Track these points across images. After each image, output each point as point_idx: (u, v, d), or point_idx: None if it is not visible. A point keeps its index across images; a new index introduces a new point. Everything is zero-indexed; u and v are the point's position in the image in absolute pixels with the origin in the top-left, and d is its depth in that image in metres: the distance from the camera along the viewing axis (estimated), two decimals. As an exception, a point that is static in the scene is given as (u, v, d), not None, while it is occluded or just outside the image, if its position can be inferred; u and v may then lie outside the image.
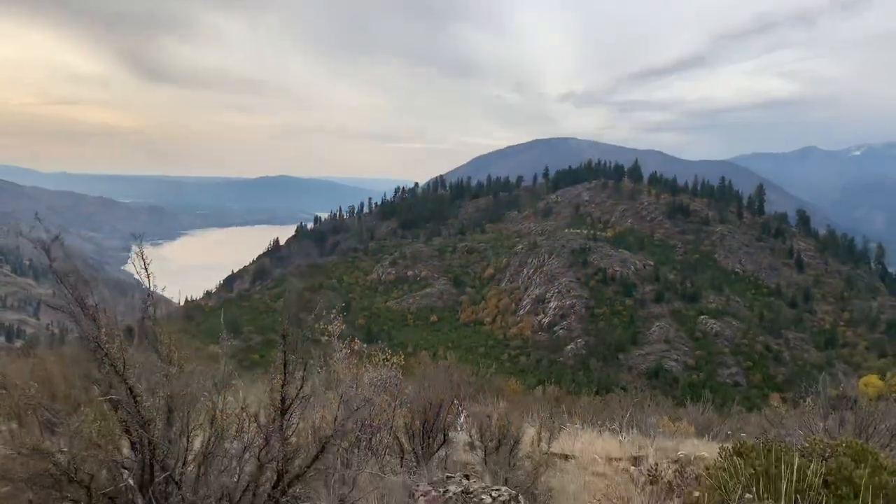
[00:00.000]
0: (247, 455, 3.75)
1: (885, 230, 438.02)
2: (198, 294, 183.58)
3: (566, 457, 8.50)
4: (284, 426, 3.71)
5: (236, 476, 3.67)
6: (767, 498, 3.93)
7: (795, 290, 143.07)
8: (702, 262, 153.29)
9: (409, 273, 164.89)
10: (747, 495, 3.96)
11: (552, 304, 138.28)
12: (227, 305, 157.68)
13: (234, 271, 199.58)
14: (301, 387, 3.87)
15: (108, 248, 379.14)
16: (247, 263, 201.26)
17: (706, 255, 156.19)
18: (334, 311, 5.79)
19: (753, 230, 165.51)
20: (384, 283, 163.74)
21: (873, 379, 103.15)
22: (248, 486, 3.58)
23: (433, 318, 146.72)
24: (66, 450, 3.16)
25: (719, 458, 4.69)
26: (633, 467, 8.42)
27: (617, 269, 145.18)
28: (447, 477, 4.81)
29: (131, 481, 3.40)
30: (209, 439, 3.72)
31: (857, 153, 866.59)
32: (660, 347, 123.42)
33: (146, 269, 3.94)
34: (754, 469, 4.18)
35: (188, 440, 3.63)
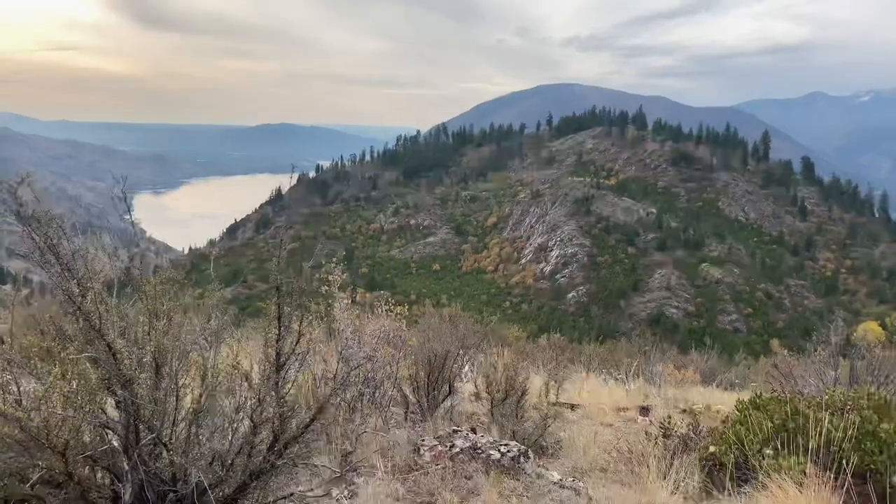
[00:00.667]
0: (240, 415, 3.58)
1: (891, 177, 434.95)
2: (202, 242, 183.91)
3: (572, 406, 8.41)
4: (280, 384, 3.51)
5: (229, 437, 3.51)
6: (788, 454, 3.77)
7: (798, 238, 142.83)
8: (705, 210, 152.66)
9: (412, 222, 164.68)
10: (767, 451, 3.82)
11: (554, 253, 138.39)
12: (230, 253, 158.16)
13: (237, 220, 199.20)
14: (297, 341, 3.63)
15: (110, 196, 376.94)
16: (249, 212, 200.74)
17: (709, 203, 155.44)
18: (335, 260, 5.54)
19: (757, 178, 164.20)
20: (387, 232, 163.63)
21: (873, 325, 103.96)
22: (241, 447, 3.43)
23: (436, 266, 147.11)
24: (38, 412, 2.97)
25: (735, 411, 4.54)
26: (640, 417, 8.34)
27: (620, 217, 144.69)
28: (453, 430, 4.65)
29: (115, 443, 3.25)
30: (200, 397, 3.53)
31: (865, 99, 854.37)
32: (661, 295, 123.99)
33: (129, 213, 3.65)
34: (772, 423, 4.03)
35: (177, 399, 3.44)
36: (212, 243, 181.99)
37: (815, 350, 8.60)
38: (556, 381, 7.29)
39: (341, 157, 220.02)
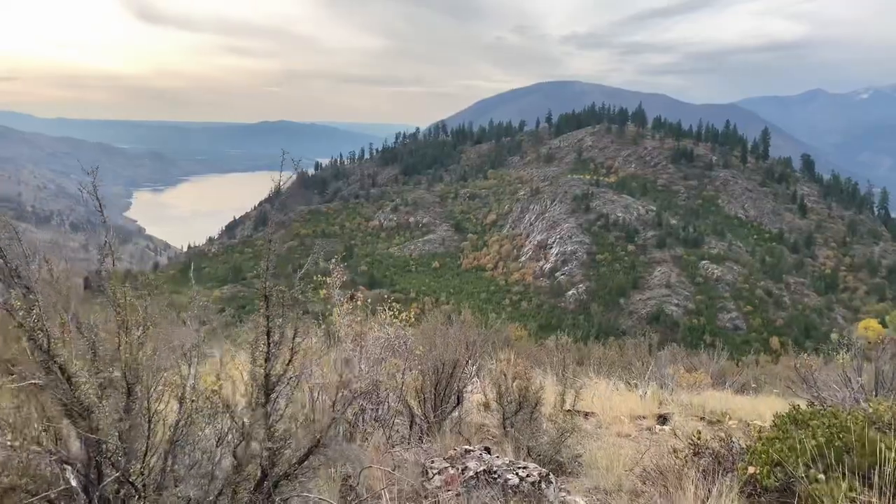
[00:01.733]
0: (223, 447, 3.15)
1: (891, 174, 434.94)
2: (201, 240, 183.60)
3: (585, 414, 8.02)
4: (269, 412, 3.06)
5: (209, 475, 3.04)
6: (838, 478, 3.38)
7: (798, 236, 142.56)
8: (705, 207, 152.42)
9: (411, 219, 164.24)
10: (817, 475, 3.43)
11: (554, 250, 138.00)
12: (229, 251, 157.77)
13: (236, 217, 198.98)
14: (290, 360, 3.19)
15: (109, 194, 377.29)
16: (248, 209, 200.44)
17: (709, 200, 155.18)
18: (334, 259, 5.10)
19: (757, 175, 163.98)
20: (386, 229, 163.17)
21: (872, 323, 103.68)
22: (222, 489, 2.99)
23: (435, 264, 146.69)
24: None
25: (773, 427, 4.15)
26: (658, 426, 7.94)
27: (619, 214, 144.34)
28: (465, 450, 4.24)
29: (74, 482, 2.81)
30: (176, 425, 3.05)
31: (865, 96, 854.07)
32: (661, 292, 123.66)
33: (101, 209, 3.21)
34: (815, 440, 3.64)
35: (150, 427, 2.95)
36: (211, 241, 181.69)
37: (835, 353, 8.21)
38: (573, 390, 6.86)
39: (340, 154, 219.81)
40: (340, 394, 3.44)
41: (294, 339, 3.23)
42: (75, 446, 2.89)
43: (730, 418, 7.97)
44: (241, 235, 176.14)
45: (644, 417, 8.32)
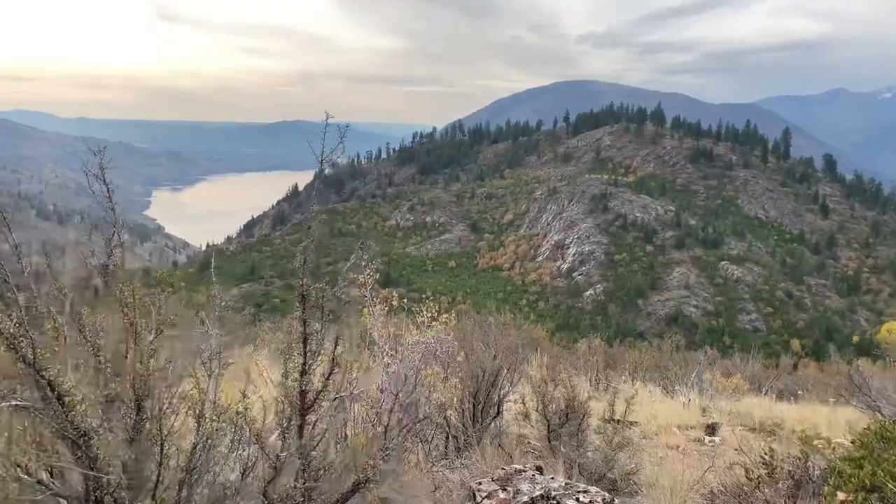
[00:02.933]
0: (248, 479, 2.62)
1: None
2: (219, 239, 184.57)
3: (629, 423, 7.59)
4: (304, 441, 2.55)
5: None
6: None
7: (819, 237, 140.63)
8: (724, 207, 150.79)
9: (428, 219, 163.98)
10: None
11: (571, 251, 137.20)
12: (246, 250, 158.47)
13: (254, 216, 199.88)
14: (330, 374, 2.70)
15: (129, 193, 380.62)
16: (266, 209, 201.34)
17: (729, 200, 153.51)
18: (366, 257, 4.72)
19: (778, 175, 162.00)
20: (402, 228, 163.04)
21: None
22: None
23: (452, 263, 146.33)
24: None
25: (858, 444, 3.72)
26: (708, 437, 7.50)
27: (638, 214, 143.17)
28: (516, 470, 3.84)
29: None
30: (193, 449, 2.58)
31: (888, 95, 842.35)
32: (679, 293, 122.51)
33: (110, 199, 2.84)
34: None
35: (162, 452, 2.46)
36: (229, 239, 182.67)
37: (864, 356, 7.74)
38: (624, 399, 6.38)
39: (357, 154, 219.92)
40: (395, 418, 2.93)
41: (336, 347, 2.72)
42: (73, 478, 2.43)
43: (781, 428, 7.51)
44: (259, 234, 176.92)
45: (692, 427, 7.87)
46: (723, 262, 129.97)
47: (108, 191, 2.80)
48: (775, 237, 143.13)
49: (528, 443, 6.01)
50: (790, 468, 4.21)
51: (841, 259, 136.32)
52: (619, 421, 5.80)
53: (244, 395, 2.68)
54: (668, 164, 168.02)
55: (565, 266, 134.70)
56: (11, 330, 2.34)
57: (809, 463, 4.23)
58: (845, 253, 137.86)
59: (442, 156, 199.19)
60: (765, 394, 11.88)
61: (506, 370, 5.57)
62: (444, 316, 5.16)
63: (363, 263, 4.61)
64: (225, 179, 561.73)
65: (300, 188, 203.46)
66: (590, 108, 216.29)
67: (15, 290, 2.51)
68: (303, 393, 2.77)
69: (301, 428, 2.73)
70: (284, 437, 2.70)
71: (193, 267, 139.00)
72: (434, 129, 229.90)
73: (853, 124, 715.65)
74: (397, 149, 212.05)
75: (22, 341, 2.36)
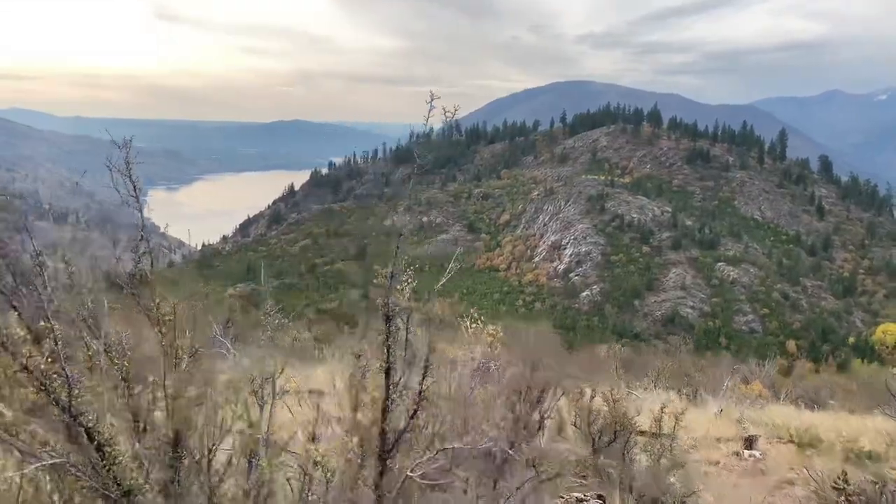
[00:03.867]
0: None
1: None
2: (215, 238, 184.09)
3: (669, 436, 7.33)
4: (381, 486, 2.03)
5: None
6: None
7: (815, 238, 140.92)
8: (721, 208, 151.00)
9: (425, 219, 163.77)
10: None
11: (568, 251, 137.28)
12: (242, 250, 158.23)
13: (250, 216, 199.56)
14: (416, 409, 2.19)
15: (125, 192, 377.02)
16: (262, 208, 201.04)
17: (725, 201, 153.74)
18: (403, 260, 4.37)
19: (774, 176, 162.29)
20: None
21: (892, 327, 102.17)
22: None
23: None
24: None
25: None
26: (746, 451, 7.38)
27: (634, 215, 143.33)
28: (578, 500, 3.83)
29: None
30: (247, 496, 2.07)
31: (883, 97, 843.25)
32: (676, 294, 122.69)
33: (137, 199, 2.68)
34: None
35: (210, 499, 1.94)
36: (225, 239, 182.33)
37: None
38: (673, 416, 6.11)
39: (354, 153, 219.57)
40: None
41: (424, 377, 2.26)
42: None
43: (819, 441, 7.39)
44: (255, 234, 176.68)
45: (729, 440, 7.71)
46: (719, 264, 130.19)
47: (134, 190, 2.73)
48: (771, 238, 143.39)
49: (567, 458, 5.71)
50: (866, 498, 4.06)
51: (837, 260, 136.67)
52: (661, 435, 5.59)
53: (313, 437, 2.26)
54: (665, 165, 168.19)
55: (562, 267, 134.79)
56: (43, 366, 1.87)
57: (886, 485, 4.11)
58: (841, 254, 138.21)
59: (439, 156, 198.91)
60: (783, 400, 11.73)
61: (553, 388, 5.38)
62: (490, 328, 4.90)
63: (399, 267, 4.32)
64: (222, 179, 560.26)
65: (297, 188, 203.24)
66: (587, 108, 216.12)
67: (49, 315, 2.06)
68: (383, 433, 2.26)
69: (382, 474, 2.22)
70: (357, 480, 2.17)
71: (190, 266, 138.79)
72: (431, 128, 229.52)
73: (852, 125, 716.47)
74: (394, 148, 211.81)
75: (56, 380, 1.87)
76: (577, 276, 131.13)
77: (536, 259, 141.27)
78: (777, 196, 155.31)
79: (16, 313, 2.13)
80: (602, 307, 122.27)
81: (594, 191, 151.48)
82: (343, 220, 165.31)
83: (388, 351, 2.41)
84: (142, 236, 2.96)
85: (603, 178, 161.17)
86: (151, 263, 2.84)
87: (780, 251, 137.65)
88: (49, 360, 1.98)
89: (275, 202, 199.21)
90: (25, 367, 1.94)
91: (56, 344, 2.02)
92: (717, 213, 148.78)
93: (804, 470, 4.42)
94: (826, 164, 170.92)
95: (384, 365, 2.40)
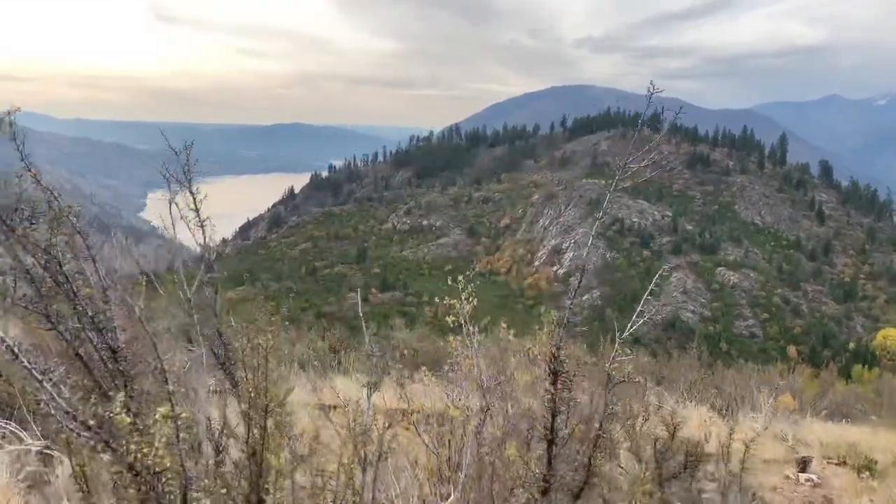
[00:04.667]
0: None
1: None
2: (215, 241, 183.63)
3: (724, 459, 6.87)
4: None
5: None
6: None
7: (816, 243, 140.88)
8: (721, 213, 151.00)
9: (425, 223, 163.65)
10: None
11: (568, 255, 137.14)
12: (242, 253, 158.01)
13: (250, 219, 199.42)
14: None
15: (125, 194, 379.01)
16: (262, 211, 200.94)
17: (726, 206, 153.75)
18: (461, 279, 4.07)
19: (774, 181, 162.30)
20: (399, 232, 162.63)
21: (893, 332, 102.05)
22: None
23: (448, 267, 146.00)
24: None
25: None
26: (802, 475, 7.02)
27: (635, 220, 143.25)
28: None
29: None
30: None
31: (882, 102, 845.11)
32: (676, 299, 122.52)
33: (196, 204, 2.26)
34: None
35: None
36: (225, 242, 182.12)
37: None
38: (745, 444, 5.51)
39: (354, 156, 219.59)
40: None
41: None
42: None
43: (875, 462, 7.07)
44: (255, 237, 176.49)
45: (776, 461, 7.32)
46: (720, 268, 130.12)
47: (195, 203, 2.36)
48: (772, 243, 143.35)
49: (617, 485, 5.11)
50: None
51: (837, 265, 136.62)
52: (728, 462, 5.19)
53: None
54: (665, 170, 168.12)
55: (562, 271, 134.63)
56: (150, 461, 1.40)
57: None
58: (841, 259, 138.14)
59: (439, 159, 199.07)
60: (816, 415, 11.35)
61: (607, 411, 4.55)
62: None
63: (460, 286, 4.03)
64: (222, 181, 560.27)
65: (297, 191, 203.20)
66: (587, 112, 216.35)
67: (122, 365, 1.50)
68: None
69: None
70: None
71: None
72: (431, 132, 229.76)
73: (852, 128, 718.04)
74: (394, 152, 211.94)
75: (170, 483, 1.44)
76: (577, 280, 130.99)
77: (537, 263, 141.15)
78: (777, 201, 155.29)
79: (122, 394, 1.67)
80: (602, 311, 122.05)
81: (594, 195, 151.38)
82: (343, 223, 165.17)
83: (552, 418, 1.88)
84: (205, 242, 2.56)
85: (603, 182, 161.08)
86: (218, 289, 2.44)
87: (780, 256, 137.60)
88: (157, 454, 1.52)
89: (275, 205, 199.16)
90: (132, 468, 1.51)
91: (177, 433, 1.54)
92: (718, 217, 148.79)
93: (871, 502, 4.15)
94: (826, 169, 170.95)
95: (548, 436, 1.92)
